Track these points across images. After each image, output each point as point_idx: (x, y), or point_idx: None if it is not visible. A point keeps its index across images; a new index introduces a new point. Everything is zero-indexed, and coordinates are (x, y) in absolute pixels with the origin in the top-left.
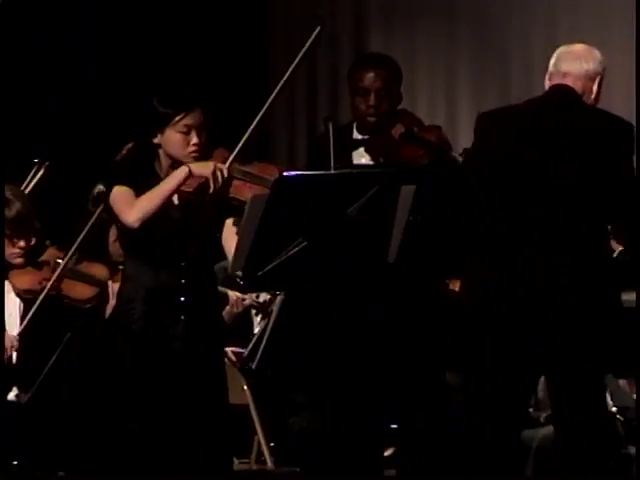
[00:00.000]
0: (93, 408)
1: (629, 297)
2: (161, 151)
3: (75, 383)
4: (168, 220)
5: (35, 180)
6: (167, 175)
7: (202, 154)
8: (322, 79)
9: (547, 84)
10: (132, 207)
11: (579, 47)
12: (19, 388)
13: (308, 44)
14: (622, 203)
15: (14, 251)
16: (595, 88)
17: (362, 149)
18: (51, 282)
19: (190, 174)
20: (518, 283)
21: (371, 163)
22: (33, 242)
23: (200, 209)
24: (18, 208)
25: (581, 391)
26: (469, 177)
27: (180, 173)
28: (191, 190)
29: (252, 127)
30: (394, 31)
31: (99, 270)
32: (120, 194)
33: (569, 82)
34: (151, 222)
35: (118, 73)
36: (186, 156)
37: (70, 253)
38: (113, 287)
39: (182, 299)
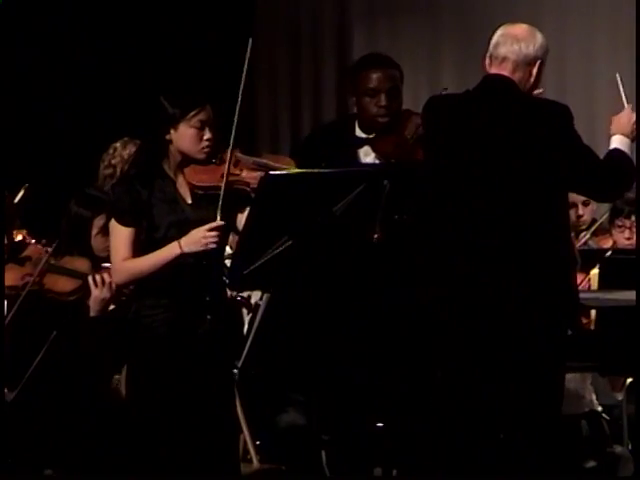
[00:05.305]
0: (80, 406)
1: (629, 297)
2: (172, 148)
3: (62, 381)
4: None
5: (16, 200)
6: (176, 173)
7: (213, 150)
8: (305, 72)
9: (487, 65)
10: (122, 267)
11: (520, 29)
12: (5, 386)
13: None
14: (585, 177)
15: None
16: (534, 72)
17: (367, 147)
18: (33, 278)
19: (181, 252)
20: (462, 277)
21: (377, 162)
22: (20, 238)
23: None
24: None
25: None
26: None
27: (173, 250)
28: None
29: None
30: (377, 28)
31: (81, 263)
32: (118, 233)
33: (507, 68)
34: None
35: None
36: (199, 151)
37: (52, 249)
38: (95, 279)
39: (208, 298)
